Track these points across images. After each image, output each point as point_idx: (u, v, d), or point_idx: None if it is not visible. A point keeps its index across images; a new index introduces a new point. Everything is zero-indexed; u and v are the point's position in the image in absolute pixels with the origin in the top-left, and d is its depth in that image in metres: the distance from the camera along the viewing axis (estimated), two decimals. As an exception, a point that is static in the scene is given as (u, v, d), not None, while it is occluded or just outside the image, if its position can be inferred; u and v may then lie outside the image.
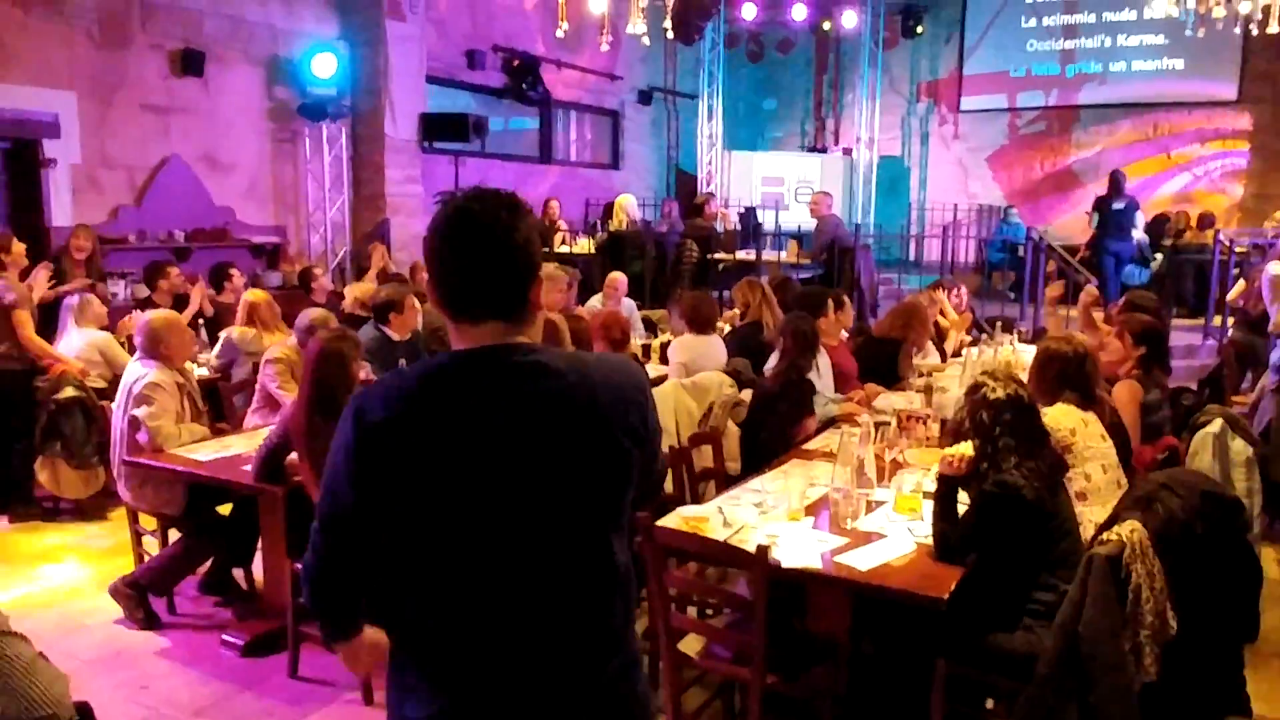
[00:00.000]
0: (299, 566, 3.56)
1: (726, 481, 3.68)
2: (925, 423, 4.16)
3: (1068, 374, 3.45)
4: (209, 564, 4.31)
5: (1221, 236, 9.13)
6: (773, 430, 4.17)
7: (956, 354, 6.30)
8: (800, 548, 2.90)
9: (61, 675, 1.78)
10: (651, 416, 1.55)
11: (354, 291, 6.14)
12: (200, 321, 6.29)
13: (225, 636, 3.93)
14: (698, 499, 3.62)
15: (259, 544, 4.14)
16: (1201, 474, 3.48)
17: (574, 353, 1.64)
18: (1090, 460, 3.35)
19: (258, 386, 4.66)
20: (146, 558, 4.30)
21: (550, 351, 1.48)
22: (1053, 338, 3.89)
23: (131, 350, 4.65)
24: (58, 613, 4.10)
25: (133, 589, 4.08)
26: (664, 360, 5.67)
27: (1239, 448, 4.03)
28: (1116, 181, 10.03)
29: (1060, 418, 3.35)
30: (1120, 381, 4.17)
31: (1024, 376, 3.36)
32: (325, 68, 8.71)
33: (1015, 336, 6.42)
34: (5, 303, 5.23)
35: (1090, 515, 3.21)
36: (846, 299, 5.69)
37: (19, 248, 5.60)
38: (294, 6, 8.88)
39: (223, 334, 5.68)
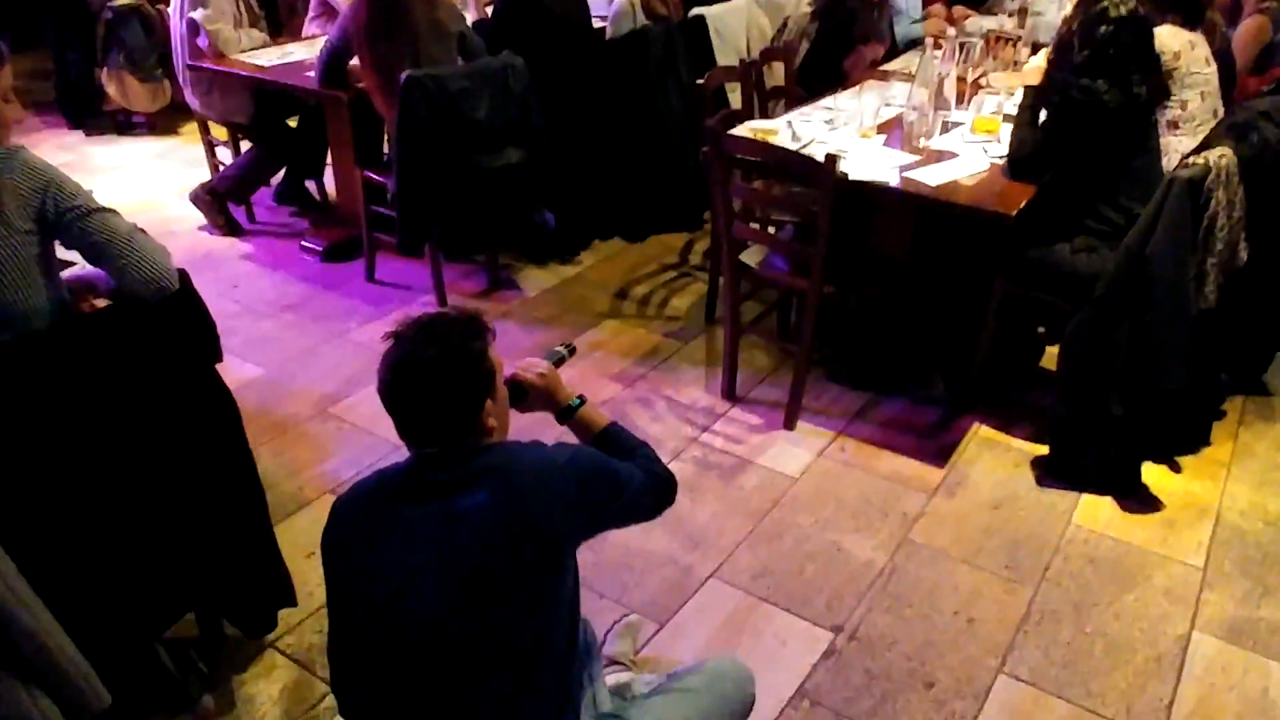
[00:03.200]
0: (368, 174, 3.48)
1: (798, 102, 3.33)
2: (1014, 45, 3.70)
3: None
4: (282, 175, 4.21)
5: None
6: (835, 53, 3.72)
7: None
8: (869, 163, 2.65)
9: (162, 247, 1.69)
10: (590, 493, 1.34)
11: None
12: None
13: (304, 243, 3.93)
14: (767, 116, 3.31)
15: (328, 157, 4.00)
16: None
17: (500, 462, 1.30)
18: (1189, 87, 2.95)
19: (312, -8, 4.24)
20: (220, 167, 4.21)
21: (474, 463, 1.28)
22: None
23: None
24: (143, 219, 4.07)
25: (212, 195, 4.04)
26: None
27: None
28: None
29: (1167, 39, 2.90)
30: (1249, 17, 3.61)
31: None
32: None
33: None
34: None
35: (1178, 145, 2.91)
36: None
37: None
38: None
39: None
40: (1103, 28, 2.42)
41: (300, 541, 2.27)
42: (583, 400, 1.59)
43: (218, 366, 1.77)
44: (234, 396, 1.80)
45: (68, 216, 1.62)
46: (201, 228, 4.08)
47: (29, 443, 1.54)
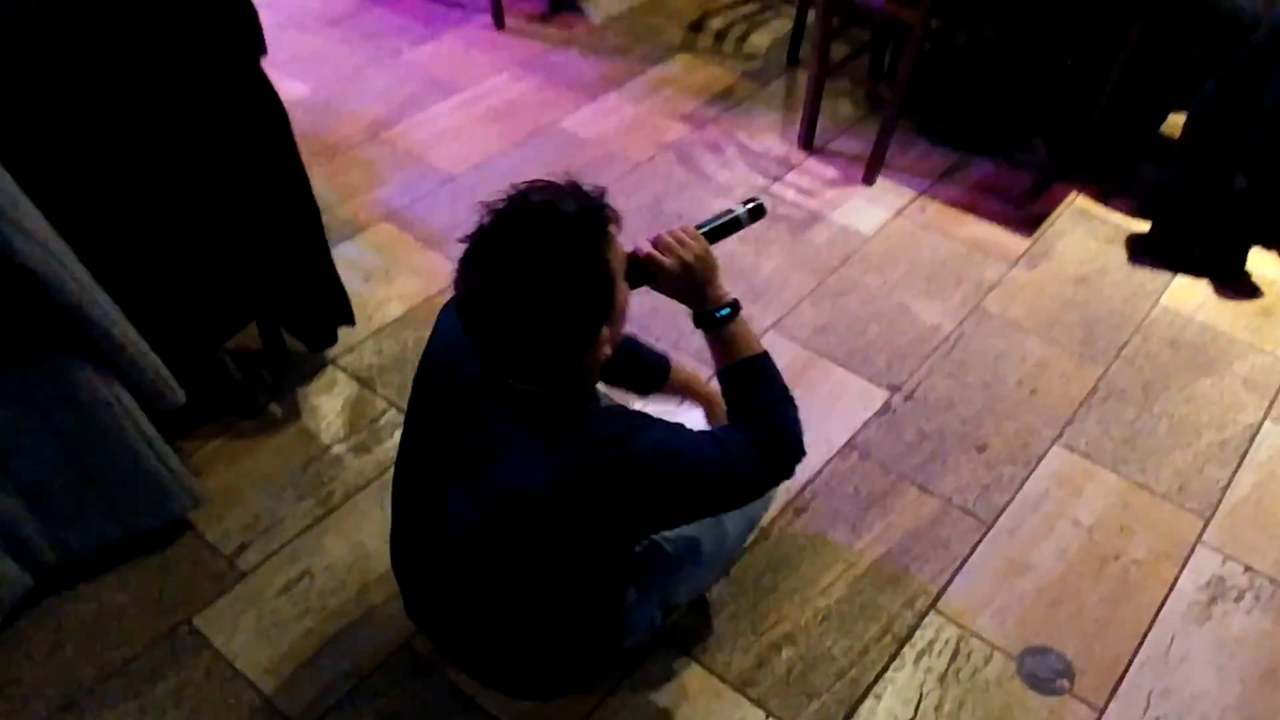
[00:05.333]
0: None
1: None
2: None
3: None
4: None
5: None
6: None
7: None
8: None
9: None
10: (679, 509, 1.16)
11: None
12: None
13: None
14: None
15: None
16: None
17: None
18: None
19: None
20: None
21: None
22: None
23: None
24: None
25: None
26: None
27: None
28: None
29: None
30: None
31: None
32: None
33: None
34: None
35: None
36: None
37: None
38: None
39: None
40: None
41: (358, 264, 2.38)
42: (735, 308, 1.27)
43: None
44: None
45: None
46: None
47: (67, 127, 1.55)
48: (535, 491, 1.09)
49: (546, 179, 1.11)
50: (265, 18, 1.70)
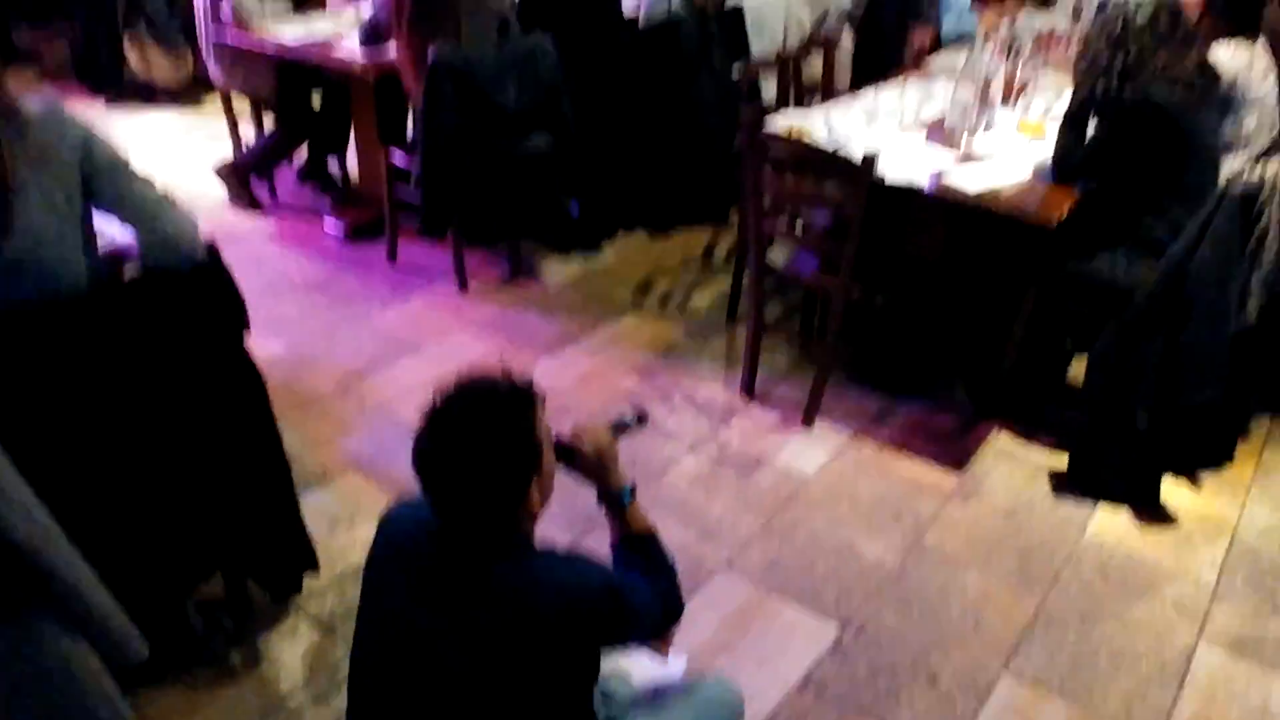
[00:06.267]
0: (392, 156, 3.69)
1: (835, 96, 3.51)
2: (1067, 45, 3.82)
3: None
4: (306, 154, 4.43)
5: None
6: (879, 42, 3.91)
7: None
8: (907, 163, 2.82)
9: (191, 215, 1.84)
10: (609, 631, 1.39)
11: None
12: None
13: (326, 223, 4.14)
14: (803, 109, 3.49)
15: (352, 133, 4.21)
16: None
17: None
18: (1248, 107, 3.09)
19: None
20: (244, 143, 4.43)
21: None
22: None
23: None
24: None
25: (235, 171, 4.27)
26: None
27: None
28: None
29: (1223, 63, 3.04)
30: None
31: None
32: None
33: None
34: None
35: (1234, 166, 3.02)
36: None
37: None
38: None
39: None
40: (1119, 22, 2.56)
41: (324, 513, 2.48)
42: (633, 491, 1.56)
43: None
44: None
45: (105, 171, 1.76)
46: (225, 204, 4.31)
47: (63, 403, 1.71)
48: (503, 635, 1.28)
49: (483, 367, 1.37)
50: (248, 284, 1.91)
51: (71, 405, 1.74)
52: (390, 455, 2.78)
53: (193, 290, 1.85)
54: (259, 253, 3.95)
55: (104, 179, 1.78)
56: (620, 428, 1.62)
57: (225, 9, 3.93)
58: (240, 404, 1.97)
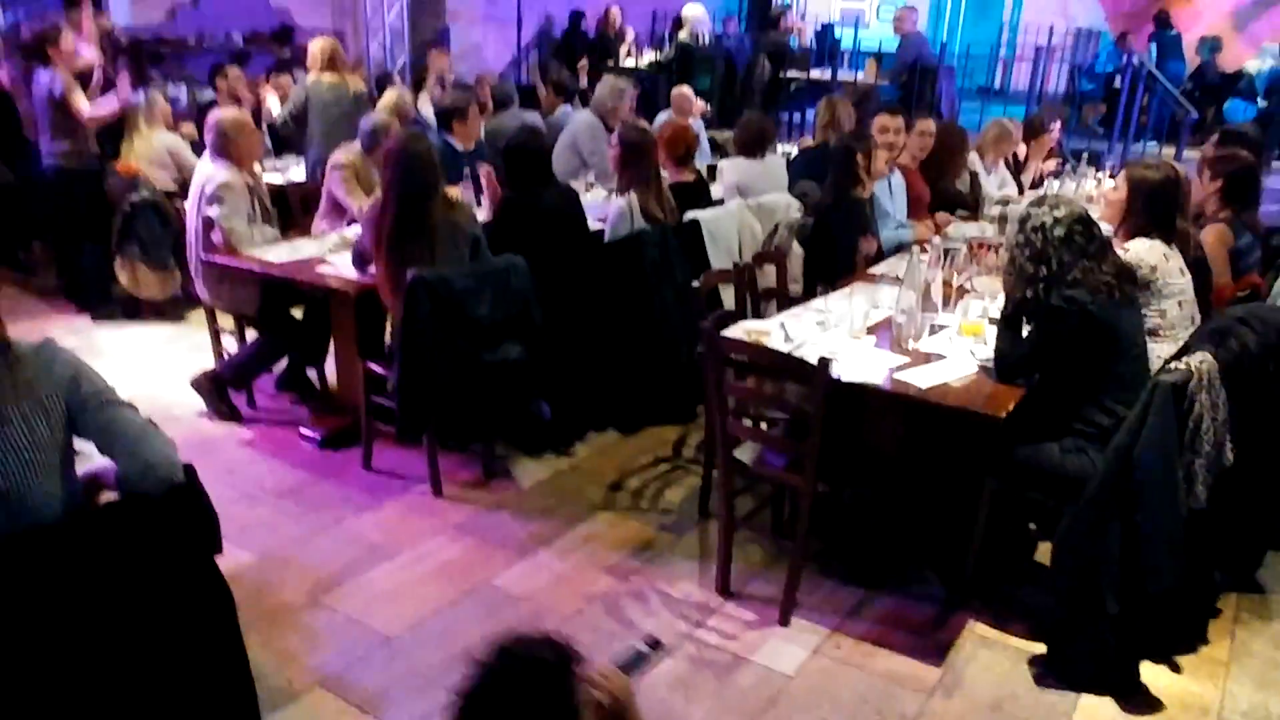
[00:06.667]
0: (370, 366, 3.82)
1: (790, 303, 3.74)
2: (996, 251, 4.15)
3: (1153, 198, 3.39)
4: (285, 363, 4.57)
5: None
6: (829, 251, 4.21)
7: (1036, 185, 6.16)
8: (860, 364, 2.99)
9: (170, 440, 1.94)
10: None
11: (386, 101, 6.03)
12: (264, 127, 6.36)
13: (302, 431, 4.22)
14: (760, 317, 3.70)
15: (331, 344, 4.36)
16: (1282, 311, 3.45)
17: None
18: (1167, 296, 3.35)
19: (324, 192, 4.77)
20: (225, 355, 4.57)
21: None
22: (1140, 163, 3.78)
23: (198, 151, 4.77)
24: (145, 405, 4.22)
25: (214, 383, 4.38)
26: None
27: (1327, 287, 3.94)
28: None
29: (1142, 253, 3.34)
30: (1209, 225, 4.08)
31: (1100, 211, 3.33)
32: None
33: (1102, 171, 6.20)
34: (57, 95, 5.27)
35: (1160, 351, 3.22)
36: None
37: (69, 41, 5.45)
38: None
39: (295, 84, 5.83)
40: (1038, 236, 2.82)
41: (290, 735, 2.41)
42: None
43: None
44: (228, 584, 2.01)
45: (91, 403, 1.88)
46: (202, 414, 4.38)
47: (32, 630, 1.71)
48: None
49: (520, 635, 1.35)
50: (221, 494, 1.96)
51: (39, 631, 1.74)
52: (362, 669, 2.73)
53: (167, 514, 1.88)
54: (233, 460, 4.00)
55: (90, 414, 1.88)
56: (635, 662, 1.57)
57: (216, 235, 4.16)
58: (206, 623, 1.97)
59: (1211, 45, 10.95)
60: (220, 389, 4.39)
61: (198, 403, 4.42)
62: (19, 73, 6.01)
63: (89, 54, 5.69)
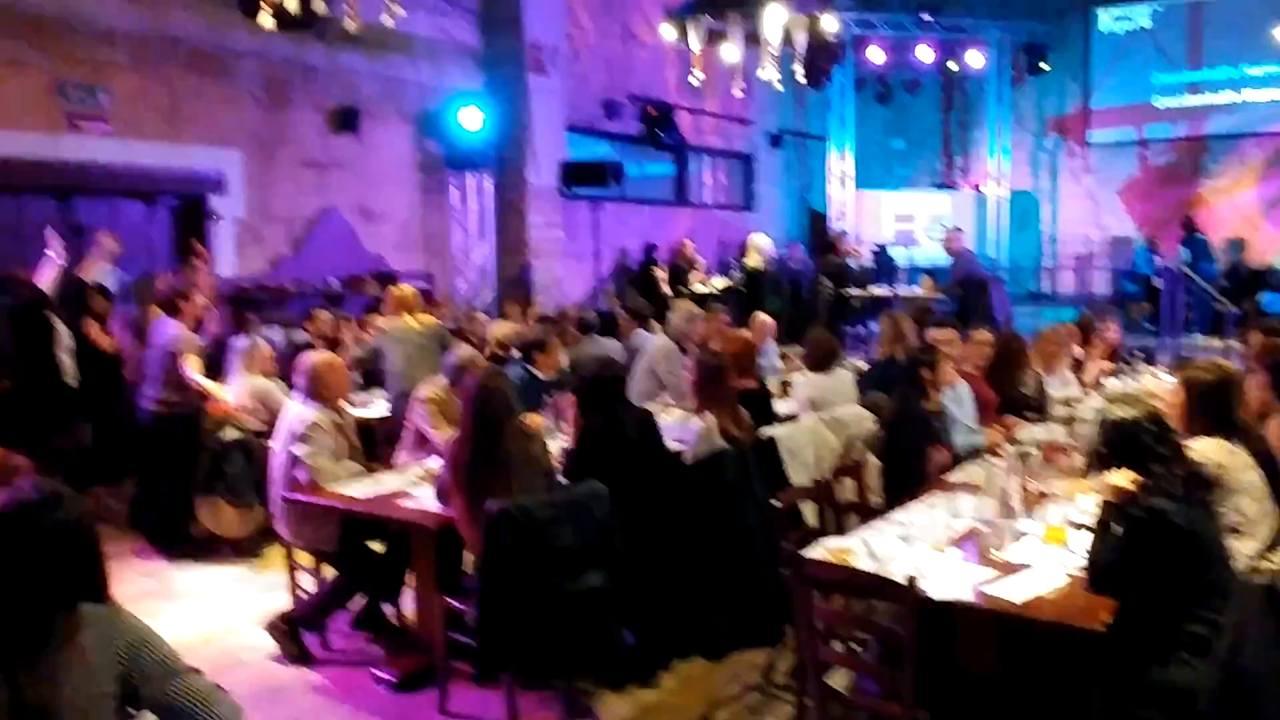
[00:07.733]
0: (449, 602, 3.79)
1: (870, 515, 3.71)
2: (1068, 453, 4.17)
3: (1209, 399, 3.38)
4: (361, 600, 4.55)
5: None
6: (902, 463, 4.22)
7: (1096, 385, 6.23)
8: (948, 579, 2.92)
9: (237, 706, 1.91)
10: None
11: (495, 333, 6.34)
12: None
13: (377, 672, 4.15)
14: (841, 532, 3.67)
15: (410, 580, 4.36)
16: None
17: None
18: (1239, 493, 3.28)
19: (407, 425, 4.95)
20: (301, 593, 4.58)
21: None
22: (1195, 364, 3.80)
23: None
24: (216, 648, 4.35)
25: (288, 625, 4.36)
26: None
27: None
28: None
29: (1207, 451, 3.30)
30: (1272, 418, 4.03)
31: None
32: (471, 121, 9.55)
33: (1156, 367, 6.29)
34: (172, 349, 5.71)
35: (1243, 548, 3.13)
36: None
37: (198, 301, 6.00)
38: (442, 64, 9.74)
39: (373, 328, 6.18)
40: (1115, 437, 2.81)
41: None
42: None
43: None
44: None
45: (155, 673, 1.85)
46: (272, 656, 4.31)
47: None
48: None
49: None
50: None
51: None
52: None
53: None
54: (301, 710, 3.91)
55: (151, 686, 1.86)
56: None
57: (302, 473, 4.30)
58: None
59: (1237, 245, 12.19)
60: (294, 630, 4.35)
61: (268, 644, 4.35)
62: (133, 319, 6.51)
63: (204, 309, 6.21)
